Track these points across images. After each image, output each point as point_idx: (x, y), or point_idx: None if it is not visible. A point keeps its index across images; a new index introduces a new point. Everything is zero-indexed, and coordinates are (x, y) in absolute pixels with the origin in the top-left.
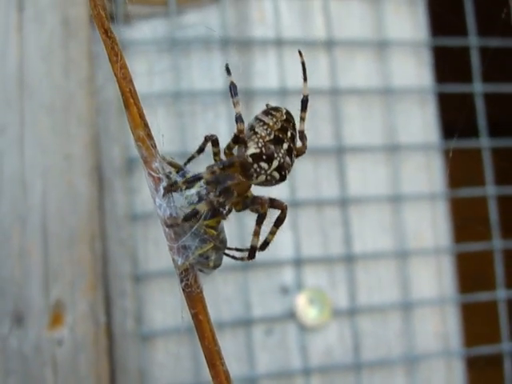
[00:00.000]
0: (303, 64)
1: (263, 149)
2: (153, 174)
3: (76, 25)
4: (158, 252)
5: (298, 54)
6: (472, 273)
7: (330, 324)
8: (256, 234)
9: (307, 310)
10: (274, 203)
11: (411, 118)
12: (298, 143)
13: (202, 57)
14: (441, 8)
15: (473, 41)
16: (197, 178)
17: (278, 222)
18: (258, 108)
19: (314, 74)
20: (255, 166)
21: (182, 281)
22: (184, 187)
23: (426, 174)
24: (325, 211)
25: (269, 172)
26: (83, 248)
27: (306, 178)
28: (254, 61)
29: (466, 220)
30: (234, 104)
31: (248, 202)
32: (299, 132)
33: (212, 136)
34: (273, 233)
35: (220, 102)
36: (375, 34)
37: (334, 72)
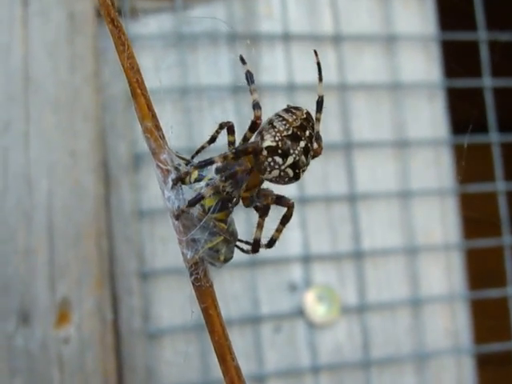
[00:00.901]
0: (318, 64)
1: (279, 143)
2: (161, 165)
3: (82, 20)
4: (164, 249)
5: (312, 52)
6: (482, 269)
7: (338, 321)
8: (259, 226)
9: (316, 307)
10: (280, 200)
11: (420, 113)
12: (314, 145)
13: (208, 52)
14: (449, 2)
15: (482, 35)
16: (209, 162)
17: (285, 220)
18: (265, 102)
19: (321, 68)
20: (269, 159)
21: (191, 275)
22: (195, 174)
23: (435, 169)
24: (333, 207)
25: (283, 168)
26: (89, 245)
27: (315, 175)
28: (262, 55)
29: (476, 216)
30: (250, 91)
31: (255, 197)
32: (315, 133)
33: (228, 123)
34: (279, 230)
35: (227, 98)
36: (383, 29)
37: (342, 67)
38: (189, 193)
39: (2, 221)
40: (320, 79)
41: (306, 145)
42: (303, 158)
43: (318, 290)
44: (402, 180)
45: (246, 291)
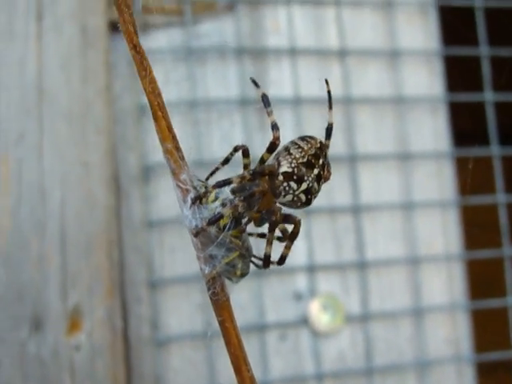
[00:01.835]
0: (329, 93)
1: (295, 169)
2: (181, 185)
3: (94, 34)
4: (173, 259)
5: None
6: (482, 279)
7: (342, 330)
8: (269, 242)
9: (320, 315)
10: (287, 218)
11: (423, 126)
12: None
13: (217, 65)
14: (452, 18)
15: (484, 50)
16: (227, 182)
17: (292, 236)
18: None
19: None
20: (285, 184)
21: (209, 289)
22: (213, 194)
23: (437, 181)
24: (338, 218)
25: (296, 193)
26: (100, 255)
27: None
28: (268, 70)
29: (477, 227)
30: (268, 114)
31: (264, 214)
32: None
33: (243, 146)
34: (288, 247)
35: (235, 111)
36: (387, 44)
37: (347, 81)
38: (204, 212)
39: (16, 229)
40: (330, 107)
41: (319, 172)
42: (316, 184)
43: (322, 300)
44: (405, 192)
45: (252, 300)
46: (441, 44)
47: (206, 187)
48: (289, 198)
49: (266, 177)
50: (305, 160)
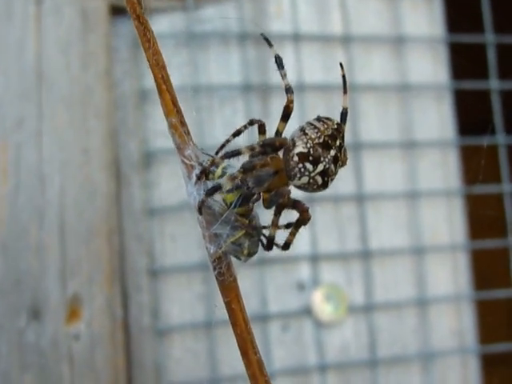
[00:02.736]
0: (344, 77)
1: (311, 150)
2: (186, 161)
3: (94, 18)
4: (174, 247)
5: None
6: (487, 270)
7: (345, 320)
8: (274, 224)
9: (323, 306)
10: (296, 204)
11: (427, 114)
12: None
13: (219, 51)
14: (457, 4)
15: (489, 37)
16: (236, 153)
17: (298, 224)
18: (275, 102)
19: (330, 70)
20: (300, 165)
21: (214, 269)
22: (221, 167)
23: (442, 170)
24: (341, 207)
25: (312, 175)
26: (100, 242)
27: None
28: (271, 55)
29: (482, 217)
30: (281, 76)
31: (273, 197)
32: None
33: (259, 120)
34: (293, 234)
35: (237, 97)
36: (392, 30)
37: (351, 68)
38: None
39: (14, 217)
40: (345, 91)
41: (336, 154)
42: (332, 166)
43: (325, 290)
44: (410, 181)
45: (254, 290)
46: (446, 31)
47: (213, 161)
48: (304, 180)
49: (279, 153)
50: (321, 140)
